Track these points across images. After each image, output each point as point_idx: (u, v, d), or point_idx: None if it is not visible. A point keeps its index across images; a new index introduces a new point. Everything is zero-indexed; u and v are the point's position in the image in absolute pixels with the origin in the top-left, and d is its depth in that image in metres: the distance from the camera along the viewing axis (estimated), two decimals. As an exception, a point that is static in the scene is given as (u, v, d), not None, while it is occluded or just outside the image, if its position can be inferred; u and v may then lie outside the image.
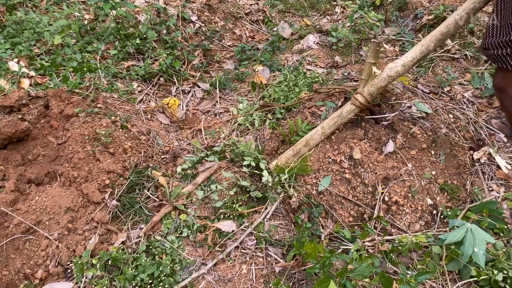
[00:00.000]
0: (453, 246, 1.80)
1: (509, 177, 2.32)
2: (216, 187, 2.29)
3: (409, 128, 2.40)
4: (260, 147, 2.57)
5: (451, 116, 2.60)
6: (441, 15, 3.48)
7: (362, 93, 2.23)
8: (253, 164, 2.33)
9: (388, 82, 2.17)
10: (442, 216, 2.07)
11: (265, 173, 2.26)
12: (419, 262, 1.87)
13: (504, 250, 1.84)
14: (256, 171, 2.31)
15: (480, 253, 1.67)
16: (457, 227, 1.84)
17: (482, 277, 1.70)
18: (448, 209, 2.09)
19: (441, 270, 1.80)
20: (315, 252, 1.61)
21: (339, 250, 1.96)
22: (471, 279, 1.75)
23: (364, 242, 1.90)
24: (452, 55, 3.28)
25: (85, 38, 3.15)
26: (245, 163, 2.35)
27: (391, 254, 1.88)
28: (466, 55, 3.25)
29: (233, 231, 2.10)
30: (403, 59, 2.14)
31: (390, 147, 2.27)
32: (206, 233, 2.10)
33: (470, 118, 2.65)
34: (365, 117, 2.45)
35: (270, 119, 2.77)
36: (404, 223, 2.05)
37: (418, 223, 2.05)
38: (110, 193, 2.19)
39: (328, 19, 4.05)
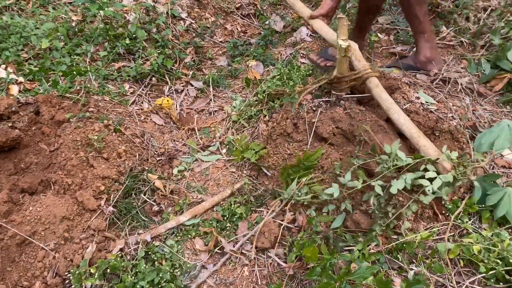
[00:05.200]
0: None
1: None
2: None
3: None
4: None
5: (450, 104, 2.55)
6: (435, 2, 3.42)
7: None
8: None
9: None
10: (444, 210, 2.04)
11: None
12: (422, 257, 1.84)
13: None
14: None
15: None
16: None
17: (490, 272, 1.69)
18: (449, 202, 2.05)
19: (449, 271, 1.77)
20: (315, 254, 1.58)
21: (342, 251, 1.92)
22: (479, 275, 1.73)
23: (369, 249, 1.85)
24: (447, 42, 3.23)
25: (74, 41, 3.08)
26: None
27: (395, 252, 1.85)
28: (462, 41, 3.20)
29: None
30: None
31: None
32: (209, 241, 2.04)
33: (468, 106, 2.61)
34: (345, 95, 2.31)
35: (264, 115, 2.72)
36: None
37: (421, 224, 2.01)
38: (106, 200, 2.15)
39: (320, 10, 3.98)
